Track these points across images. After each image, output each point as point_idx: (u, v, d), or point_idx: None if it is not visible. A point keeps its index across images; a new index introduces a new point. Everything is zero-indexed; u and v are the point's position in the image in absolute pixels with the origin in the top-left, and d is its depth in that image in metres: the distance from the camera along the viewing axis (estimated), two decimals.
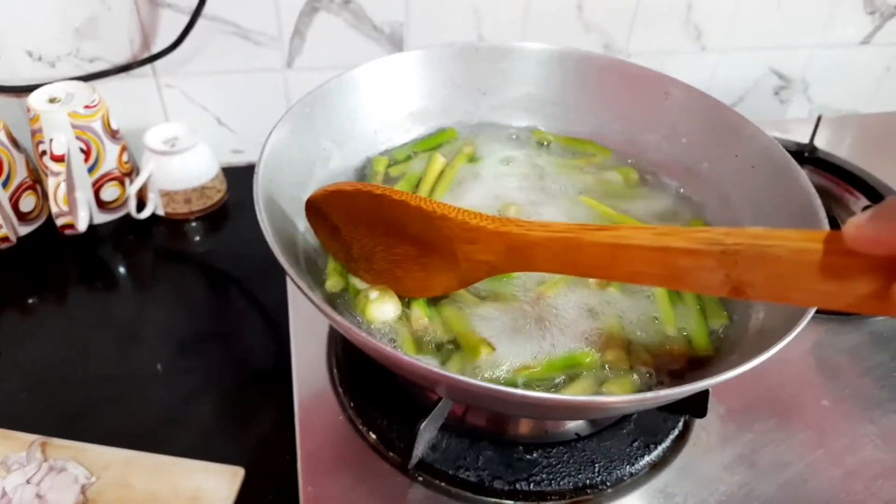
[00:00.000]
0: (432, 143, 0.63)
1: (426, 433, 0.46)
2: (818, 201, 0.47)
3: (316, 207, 0.48)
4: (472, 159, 0.61)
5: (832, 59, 1.04)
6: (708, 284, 0.36)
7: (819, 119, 0.87)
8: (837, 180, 0.82)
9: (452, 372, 0.39)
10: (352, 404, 0.52)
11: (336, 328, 0.40)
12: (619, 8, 0.90)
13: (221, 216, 0.85)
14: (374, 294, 0.48)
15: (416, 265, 0.47)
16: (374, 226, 0.47)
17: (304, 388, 0.54)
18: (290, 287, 0.64)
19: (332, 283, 0.51)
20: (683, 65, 0.98)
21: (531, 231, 0.41)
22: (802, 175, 0.49)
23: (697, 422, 0.54)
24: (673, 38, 0.95)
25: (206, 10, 0.76)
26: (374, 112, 0.59)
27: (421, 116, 0.62)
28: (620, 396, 0.37)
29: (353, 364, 0.55)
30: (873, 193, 0.79)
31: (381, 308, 0.48)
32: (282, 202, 0.48)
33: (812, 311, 0.40)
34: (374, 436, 0.50)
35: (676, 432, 0.53)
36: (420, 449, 0.47)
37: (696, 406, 0.50)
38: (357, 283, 0.51)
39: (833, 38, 1.01)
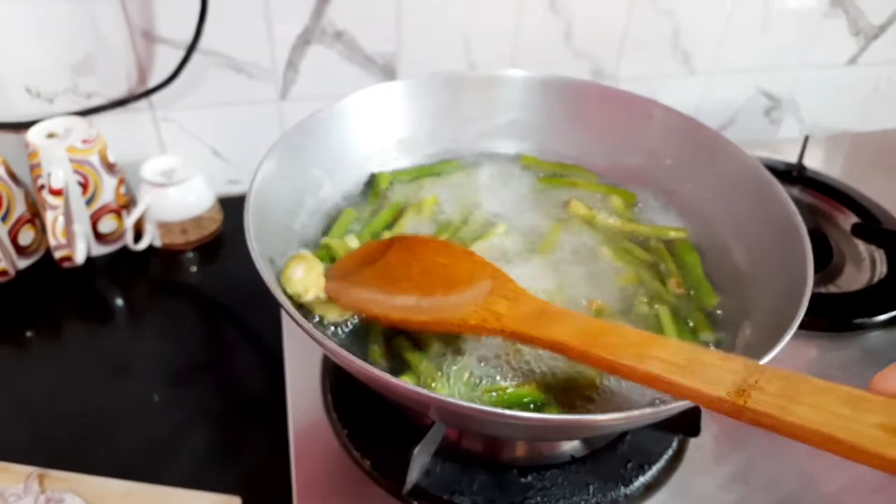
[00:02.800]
0: (435, 170, 0.64)
1: (420, 458, 0.46)
2: (799, 218, 0.48)
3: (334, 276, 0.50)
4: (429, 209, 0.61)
5: (820, 80, 1.05)
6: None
7: (807, 139, 0.88)
8: (827, 199, 0.83)
9: (442, 395, 0.39)
10: (346, 431, 0.52)
11: (328, 354, 0.40)
12: (607, 34, 0.92)
13: (218, 246, 0.86)
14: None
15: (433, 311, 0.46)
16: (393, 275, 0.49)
17: (298, 416, 0.54)
18: (284, 315, 0.64)
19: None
20: (673, 89, 1.00)
21: (521, 328, 0.41)
22: (783, 193, 0.50)
23: (692, 441, 0.54)
24: (661, 62, 0.96)
25: (201, 44, 0.78)
26: (364, 140, 0.60)
27: (410, 144, 0.63)
28: (611, 415, 0.37)
29: (346, 391, 0.55)
30: (862, 211, 0.80)
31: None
32: (273, 231, 0.49)
33: (795, 327, 0.40)
34: (368, 462, 0.50)
35: (671, 452, 0.53)
36: (414, 474, 0.47)
37: (690, 425, 0.50)
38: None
39: (820, 58, 1.03)
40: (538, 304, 0.44)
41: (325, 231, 0.57)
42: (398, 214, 0.59)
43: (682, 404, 0.37)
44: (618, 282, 0.53)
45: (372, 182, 0.62)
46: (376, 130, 0.61)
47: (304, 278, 0.49)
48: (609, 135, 0.62)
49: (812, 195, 0.84)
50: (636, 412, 0.36)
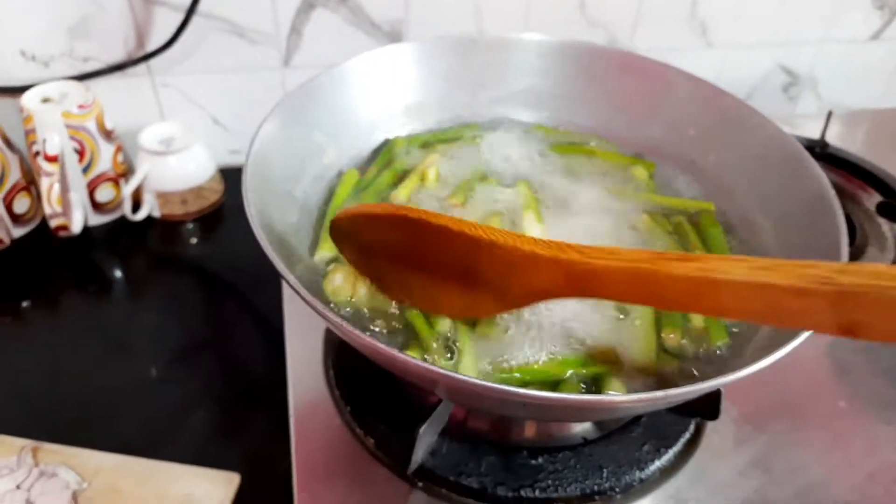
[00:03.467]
0: (451, 135, 0.61)
1: (426, 437, 0.44)
2: (832, 191, 0.46)
3: (341, 229, 0.45)
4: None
5: (841, 55, 1.02)
6: (814, 323, 0.32)
7: (830, 115, 0.85)
8: (850, 176, 0.80)
9: (450, 370, 0.37)
10: (348, 408, 0.50)
11: (331, 327, 0.38)
12: (622, 3, 0.88)
13: (218, 217, 0.83)
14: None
15: (459, 289, 0.42)
16: (410, 249, 0.42)
17: (299, 393, 0.52)
18: (286, 289, 0.62)
19: (322, 253, 0.49)
20: (689, 61, 0.95)
21: (595, 260, 0.36)
22: (814, 164, 0.47)
23: (710, 424, 0.52)
24: (678, 34, 0.93)
25: (201, 7, 0.75)
26: (370, 105, 0.57)
27: (418, 110, 0.60)
28: (630, 395, 0.35)
29: (349, 367, 0.53)
30: (886, 189, 0.77)
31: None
32: (273, 198, 0.47)
33: None
34: (371, 440, 0.48)
35: (688, 435, 0.51)
36: (419, 454, 0.45)
37: (709, 408, 0.48)
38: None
39: (841, 33, 0.99)
40: (560, 258, 0.37)
41: (328, 199, 0.54)
42: (403, 176, 0.56)
43: (708, 384, 0.34)
44: None
45: (382, 148, 0.60)
46: (383, 95, 0.58)
47: (345, 283, 0.47)
48: (628, 103, 0.59)
49: (834, 172, 0.80)
50: (659, 393, 0.34)
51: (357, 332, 0.36)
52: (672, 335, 0.45)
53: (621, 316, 0.46)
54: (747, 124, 0.53)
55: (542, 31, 0.86)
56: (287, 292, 0.62)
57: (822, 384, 0.57)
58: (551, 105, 0.62)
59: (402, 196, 0.54)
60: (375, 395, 0.51)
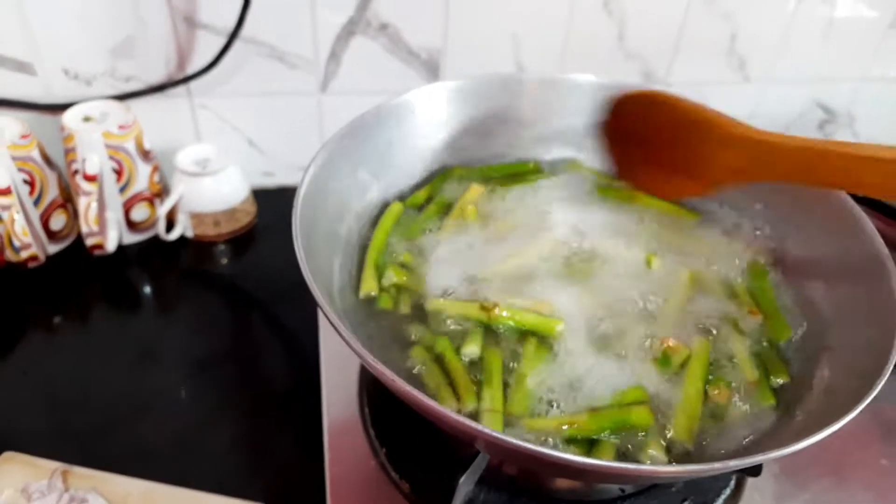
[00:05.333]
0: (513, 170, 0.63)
1: (465, 488, 0.43)
2: (885, 251, 0.45)
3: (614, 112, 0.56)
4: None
5: (878, 94, 1.01)
6: None
7: None
8: (889, 221, 0.78)
9: (492, 429, 0.36)
10: (384, 450, 0.50)
11: (368, 368, 0.38)
12: (660, 36, 0.88)
13: (250, 239, 0.84)
14: None
15: (672, 168, 0.53)
16: (648, 128, 0.54)
17: (334, 431, 0.52)
18: (322, 322, 0.62)
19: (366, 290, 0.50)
20: (725, 95, 0.96)
21: (774, 139, 0.47)
22: (871, 228, 0.46)
23: (750, 480, 0.51)
24: (715, 67, 0.92)
25: (243, 32, 0.75)
26: (413, 143, 0.57)
27: (459, 149, 0.60)
28: (674, 467, 0.35)
29: (386, 406, 0.53)
30: None
31: None
32: (318, 237, 0.47)
33: (886, 377, 0.37)
34: (407, 485, 0.48)
35: (728, 492, 0.50)
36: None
37: (751, 465, 0.47)
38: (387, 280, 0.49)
39: (880, 71, 0.98)
40: (758, 138, 0.48)
41: (370, 233, 0.54)
42: (448, 208, 0.57)
43: (755, 459, 0.34)
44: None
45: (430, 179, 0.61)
46: (426, 132, 0.58)
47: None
48: None
49: (880, 219, 0.79)
50: (704, 466, 0.33)
51: (395, 377, 0.35)
52: (717, 391, 0.44)
53: (669, 374, 0.46)
54: None
55: (579, 61, 0.87)
56: (323, 325, 0.61)
57: (865, 440, 0.56)
58: (591, 146, 0.61)
59: (444, 236, 0.53)
60: (412, 437, 0.51)
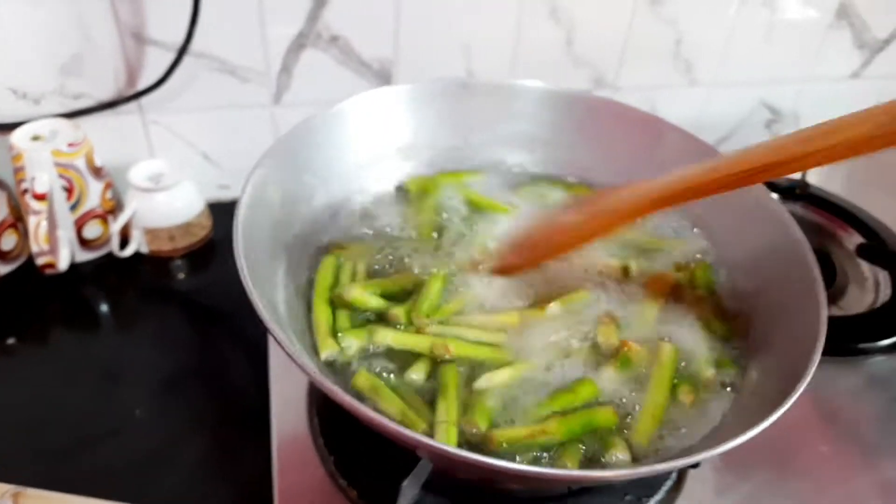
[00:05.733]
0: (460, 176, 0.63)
1: (409, 491, 0.44)
2: (807, 247, 0.47)
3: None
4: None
5: (822, 93, 1.04)
6: None
7: None
8: (830, 217, 0.81)
9: (435, 441, 0.37)
10: (332, 458, 0.50)
11: (315, 383, 0.38)
12: (608, 43, 0.90)
13: (207, 253, 0.83)
14: None
15: None
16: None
17: (283, 442, 0.52)
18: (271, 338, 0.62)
19: (327, 353, 0.49)
20: (673, 99, 0.98)
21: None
22: (787, 214, 0.48)
23: (692, 473, 0.52)
24: (663, 72, 0.95)
25: (193, 46, 0.76)
26: (360, 148, 0.58)
27: (408, 153, 0.61)
28: (617, 471, 0.36)
29: (333, 416, 0.53)
30: (867, 231, 0.78)
31: None
32: (262, 244, 0.47)
33: (807, 379, 0.39)
34: (355, 492, 0.48)
35: (670, 484, 0.51)
36: None
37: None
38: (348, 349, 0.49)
39: (823, 71, 1.01)
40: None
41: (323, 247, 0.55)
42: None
43: (689, 460, 0.35)
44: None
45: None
46: (374, 137, 0.59)
47: None
48: (617, 152, 0.60)
49: (815, 213, 0.82)
50: (644, 469, 0.35)
51: (339, 390, 0.36)
52: (685, 394, 0.46)
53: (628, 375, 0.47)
54: None
55: (529, 69, 0.88)
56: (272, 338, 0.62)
57: (805, 429, 0.58)
58: (539, 150, 0.63)
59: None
60: (359, 445, 0.51)
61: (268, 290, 0.47)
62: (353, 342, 0.48)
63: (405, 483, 0.42)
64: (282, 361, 0.59)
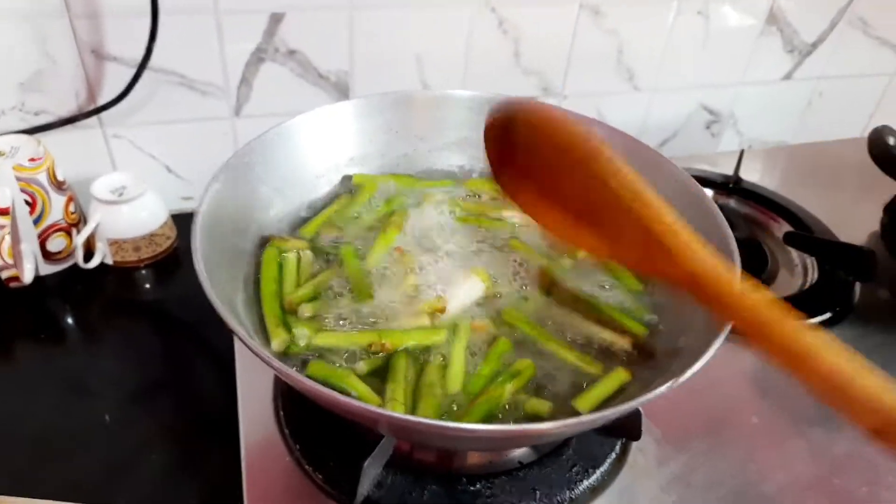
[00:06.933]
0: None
1: (370, 471, 0.47)
2: (729, 231, 0.51)
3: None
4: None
5: (757, 95, 1.10)
6: None
7: (742, 152, 0.92)
8: (761, 209, 0.87)
9: (391, 411, 0.41)
10: (298, 446, 0.53)
11: (278, 374, 0.41)
12: (553, 52, 0.95)
13: (171, 263, 0.85)
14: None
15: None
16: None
17: (250, 433, 0.55)
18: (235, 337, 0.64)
19: (278, 342, 0.52)
20: (619, 104, 1.03)
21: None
22: (715, 208, 0.53)
23: (634, 445, 0.56)
24: (607, 79, 1.00)
25: (152, 62, 0.78)
26: (314, 159, 0.61)
27: (361, 161, 0.65)
28: (554, 423, 0.39)
29: (299, 407, 0.56)
30: (795, 220, 0.84)
31: None
32: (223, 253, 0.50)
33: (724, 335, 0.43)
34: (320, 476, 0.51)
35: (614, 456, 0.55)
36: (365, 487, 0.48)
37: (631, 429, 0.52)
38: (299, 338, 0.52)
39: (757, 75, 1.08)
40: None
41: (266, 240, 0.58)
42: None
43: (624, 407, 0.39)
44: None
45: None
46: (327, 149, 0.62)
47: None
48: None
49: (747, 205, 0.87)
50: (584, 418, 0.39)
51: (299, 376, 0.39)
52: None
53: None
54: (659, 171, 0.58)
55: (481, 79, 0.93)
56: (237, 341, 0.64)
57: (739, 402, 0.62)
58: (482, 155, 0.66)
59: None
60: (324, 433, 0.54)
61: (228, 292, 0.50)
62: (304, 332, 0.51)
63: (367, 462, 0.45)
64: (247, 360, 0.61)
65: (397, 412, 0.41)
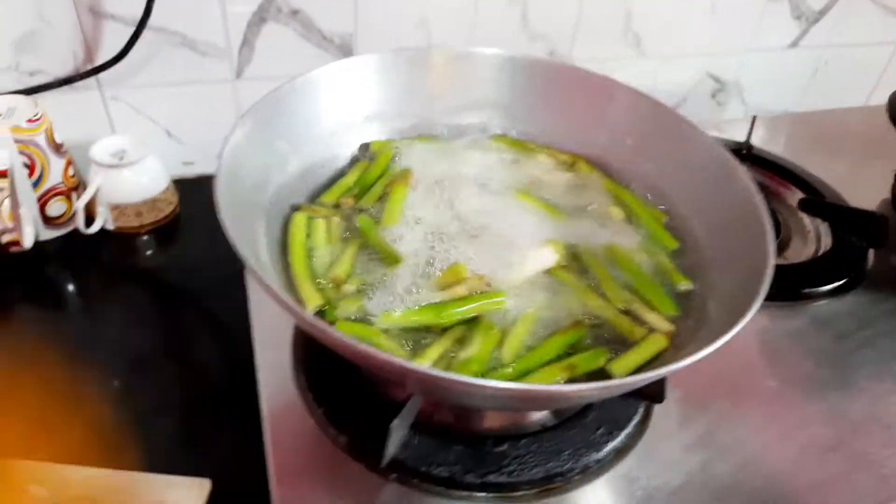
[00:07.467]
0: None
1: (398, 431, 0.46)
2: (759, 196, 0.50)
3: None
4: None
5: (764, 63, 1.09)
6: None
7: (754, 119, 0.92)
8: (773, 176, 0.86)
9: (422, 366, 0.40)
10: (321, 409, 0.52)
11: (302, 326, 0.39)
12: (561, 17, 0.93)
13: (173, 229, 0.83)
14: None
15: None
16: None
17: (271, 397, 0.54)
18: (253, 296, 0.63)
19: (312, 306, 0.50)
20: (625, 71, 1.02)
21: None
22: (743, 171, 0.52)
23: (657, 407, 0.56)
24: (614, 46, 0.98)
25: (152, 21, 0.75)
26: (331, 115, 0.59)
27: (376, 119, 0.63)
28: (591, 384, 0.39)
29: (319, 368, 0.55)
30: (807, 187, 0.84)
31: None
32: (241, 206, 0.48)
33: (756, 306, 0.42)
34: (344, 439, 0.50)
35: (637, 418, 0.55)
36: (392, 447, 0.47)
37: (655, 392, 0.51)
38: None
39: (763, 42, 1.07)
40: None
41: (295, 207, 0.56)
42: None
43: (656, 374, 0.38)
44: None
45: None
46: (344, 105, 0.60)
47: None
48: (572, 113, 0.63)
49: (759, 173, 0.87)
50: (616, 382, 0.38)
51: (328, 327, 0.38)
52: None
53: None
54: (681, 135, 0.57)
55: (486, 43, 0.90)
56: (254, 298, 0.63)
57: (755, 367, 0.62)
58: (499, 114, 0.65)
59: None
60: (346, 395, 0.53)
61: (250, 247, 0.48)
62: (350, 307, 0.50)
63: (395, 422, 0.44)
64: (264, 325, 0.60)
65: (426, 367, 0.40)
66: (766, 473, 0.53)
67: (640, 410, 0.55)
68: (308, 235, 0.55)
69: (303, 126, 0.58)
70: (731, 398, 0.58)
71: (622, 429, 0.53)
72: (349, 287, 0.51)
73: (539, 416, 0.54)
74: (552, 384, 0.44)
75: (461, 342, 0.48)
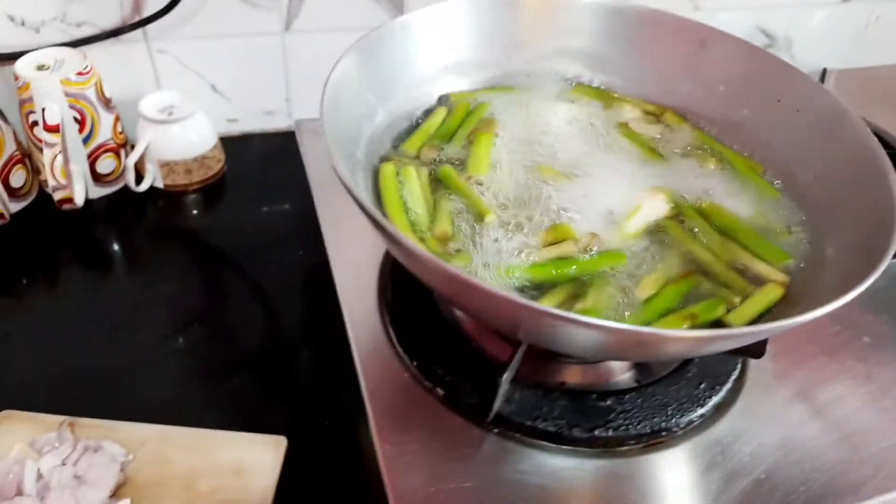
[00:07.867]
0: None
1: (506, 385, 0.44)
2: (874, 140, 0.48)
3: None
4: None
5: (814, 18, 1.06)
6: None
7: (825, 71, 0.89)
8: None
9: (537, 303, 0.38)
10: (414, 362, 0.51)
11: (428, 265, 0.37)
12: None
13: (221, 187, 0.81)
14: None
15: None
16: None
17: (362, 350, 0.52)
18: (332, 251, 0.61)
19: None
20: None
21: None
22: (855, 115, 0.50)
23: (752, 363, 0.55)
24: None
25: None
26: (415, 64, 0.57)
27: (455, 70, 0.60)
28: (749, 328, 0.37)
29: (408, 322, 0.54)
30: (883, 144, 0.81)
31: None
32: (343, 158, 0.46)
33: (888, 260, 0.40)
34: (441, 391, 0.49)
35: (736, 373, 0.53)
36: (499, 401, 0.45)
37: (756, 348, 0.50)
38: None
39: None
40: None
41: (383, 158, 0.54)
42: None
43: (794, 321, 0.37)
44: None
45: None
46: (429, 53, 0.57)
47: None
48: (660, 61, 0.61)
49: None
50: (762, 327, 0.36)
51: (438, 259, 0.36)
52: None
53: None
54: (780, 79, 0.55)
55: None
56: (334, 254, 0.60)
57: (848, 323, 0.60)
58: (585, 63, 0.63)
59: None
60: (438, 347, 0.52)
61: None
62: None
63: (504, 376, 0.43)
64: (347, 272, 0.58)
65: (545, 306, 0.38)
66: (865, 428, 0.52)
67: (738, 366, 0.54)
68: (401, 186, 0.52)
69: (390, 76, 0.55)
70: (825, 353, 0.57)
71: (723, 384, 0.52)
72: (453, 245, 0.49)
73: (632, 372, 0.52)
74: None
75: (575, 297, 0.46)
